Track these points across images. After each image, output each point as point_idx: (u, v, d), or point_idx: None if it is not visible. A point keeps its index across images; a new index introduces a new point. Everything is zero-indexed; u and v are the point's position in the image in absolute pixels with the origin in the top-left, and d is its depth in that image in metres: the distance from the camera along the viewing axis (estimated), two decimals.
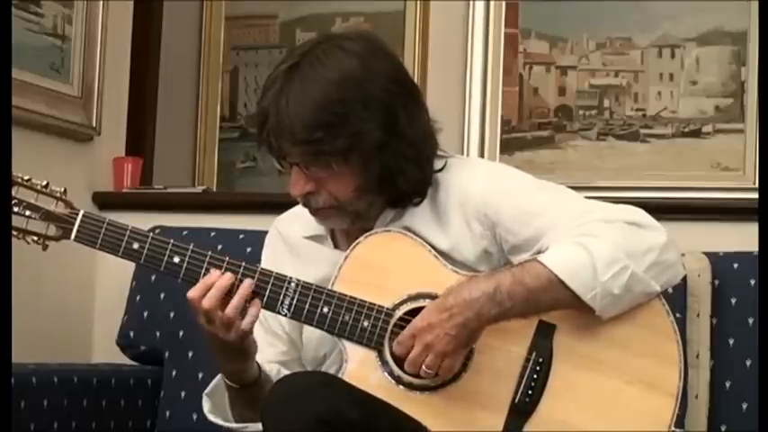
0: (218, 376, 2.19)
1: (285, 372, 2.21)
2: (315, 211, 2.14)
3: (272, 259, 2.25)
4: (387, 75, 2.09)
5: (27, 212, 2.07)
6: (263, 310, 2.11)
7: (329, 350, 2.19)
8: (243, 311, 2.05)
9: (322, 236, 2.24)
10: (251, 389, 2.14)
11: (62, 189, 2.10)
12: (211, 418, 2.22)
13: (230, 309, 2.04)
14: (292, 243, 2.26)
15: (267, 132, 2.06)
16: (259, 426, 2.03)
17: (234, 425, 2.19)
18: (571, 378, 2.08)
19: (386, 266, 2.11)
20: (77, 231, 2.09)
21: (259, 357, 2.20)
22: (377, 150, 2.07)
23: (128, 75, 3.49)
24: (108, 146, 3.41)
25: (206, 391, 2.24)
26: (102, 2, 3.32)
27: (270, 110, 2.05)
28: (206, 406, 2.23)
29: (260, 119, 2.07)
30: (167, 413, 2.94)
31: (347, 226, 2.18)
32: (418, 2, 3.33)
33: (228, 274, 2.05)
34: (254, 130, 2.12)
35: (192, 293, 2.04)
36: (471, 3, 3.24)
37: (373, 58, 2.09)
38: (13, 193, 2.07)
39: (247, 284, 2.06)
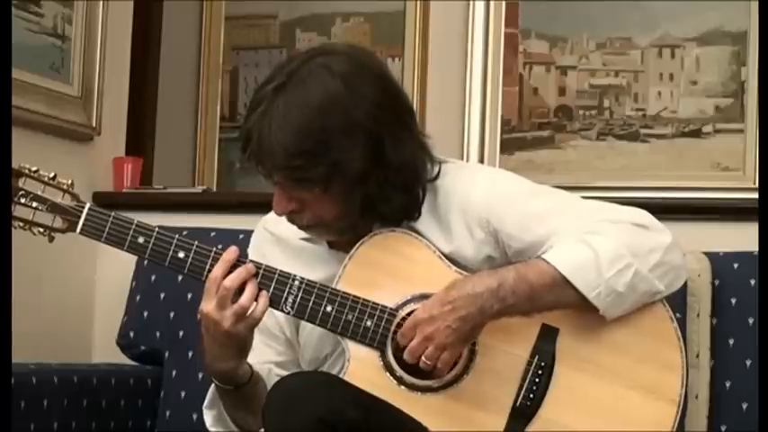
0: (212, 387, 2.19)
1: (278, 372, 2.22)
2: (300, 227, 2.14)
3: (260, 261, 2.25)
4: (373, 99, 2.05)
5: (33, 204, 2.08)
6: None
7: (330, 351, 2.18)
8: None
9: None
10: (244, 388, 2.14)
11: (69, 181, 2.10)
12: (214, 430, 2.22)
13: (246, 297, 2.04)
14: (287, 244, 2.25)
15: (249, 154, 2.06)
16: None
17: None
18: (573, 382, 2.08)
19: (390, 266, 2.11)
20: (83, 224, 2.09)
21: (254, 359, 2.20)
22: (358, 179, 2.05)
23: (128, 75, 3.49)
24: (108, 146, 3.41)
25: (205, 405, 2.24)
26: (102, 2, 3.32)
27: (252, 132, 2.04)
28: (208, 420, 2.23)
29: (243, 139, 2.07)
30: (167, 413, 2.94)
31: (335, 239, 2.18)
32: (418, 2, 3.32)
33: (251, 264, 2.07)
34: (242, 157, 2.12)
35: (218, 271, 2.04)
36: (471, 3, 3.23)
37: (360, 81, 2.05)
38: (20, 184, 2.07)
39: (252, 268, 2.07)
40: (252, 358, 2.20)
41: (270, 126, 2.02)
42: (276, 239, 2.27)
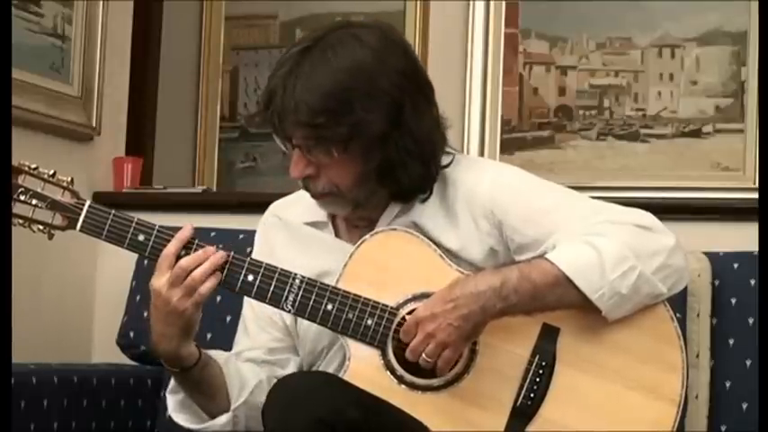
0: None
1: (267, 357, 2.22)
2: (314, 196, 2.14)
3: (266, 249, 2.25)
4: (398, 70, 2.08)
5: (33, 201, 2.07)
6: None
7: (327, 345, 2.18)
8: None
9: (322, 222, 2.23)
10: (191, 372, 2.11)
11: (69, 179, 2.10)
12: (176, 417, 2.20)
13: (200, 272, 2.03)
14: (293, 229, 2.25)
15: (272, 112, 2.06)
16: (216, 422, 2.09)
17: (197, 426, 2.17)
18: (574, 382, 2.08)
19: (391, 265, 2.11)
20: (83, 221, 2.08)
21: (248, 342, 2.22)
22: (378, 142, 2.06)
23: (128, 75, 3.49)
24: (108, 146, 3.41)
25: (168, 390, 2.21)
26: (102, 2, 3.33)
27: (277, 90, 2.05)
28: (170, 404, 2.20)
29: (266, 97, 2.07)
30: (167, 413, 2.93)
31: (348, 213, 2.18)
32: (418, 2, 3.33)
33: (210, 248, 2.06)
34: (257, 120, 2.12)
35: (171, 248, 2.04)
36: (471, 3, 3.24)
37: (388, 52, 2.08)
38: (20, 181, 2.06)
39: (221, 255, 2.06)
40: (247, 342, 2.22)
41: (295, 85, 2.03)
42: (283, 224, 2.27)
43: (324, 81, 2.02)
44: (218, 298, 2.68)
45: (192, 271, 2.03)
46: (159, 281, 2.04)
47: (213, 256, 2.06)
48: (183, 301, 2.03)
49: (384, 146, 2.07)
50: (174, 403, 2.20)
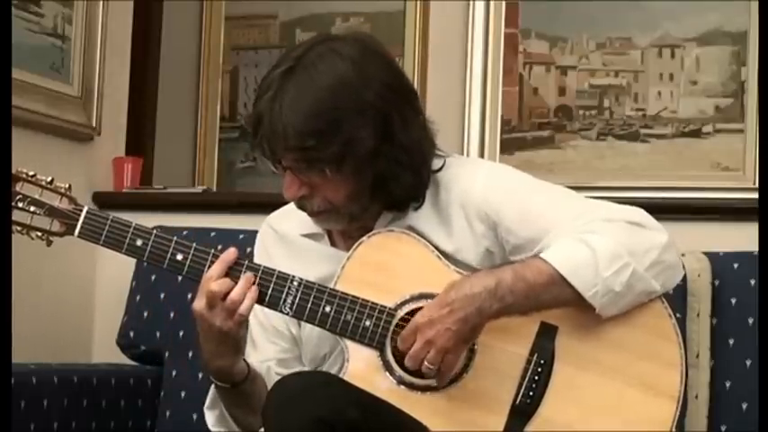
0: (212, 387, 2.19)
1: (278, 370, 2.22)
2: (310, 214, 2.14)
3: (266, 259, 2.24)
4: (382, 80, 2.07)
5: (31, 208, 2.07)
6: (263, 308, 2.12)
7: (329, 350, 2.19)
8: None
9: (318, 234, 2.23)
10: (242, 386, 2.14)
11: (66, 185, 2.10)
12: (215, 431, 2.22)
13: (235, 293, 2.04)
14: (289, 241, 2.25)
15: (261, 137, 2.06)
16: None
17: None
18: (573, 380, 2.08)
19: (388, 266, 2.11)
20: (81, 227, 2.09)
21: (258, 356, 2.21)
22: (370, 157, 2.06)
23: (128, 75, 3.49)
24: (108, 146, 3.41)
25: (206, 406, 2.24)
26: (102, 2, 3.33)
27: (263, 115, 2.04)
28: (209, 420, 2.23)
29: (254, 124, 2.07)
30: (167, 413, 2.94)
31: (344, 227, 2.18)
32: (418, 2, 3.33)
33: (249, 274, 2.07)
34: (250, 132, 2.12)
35: (212, 271, 2.05)
36: (471, 3, 3.24)
37: (369, 62, 2.07)
38: (18, 188, 2.07)
39: (250, 274, 2.07)
40: (255, 356, 2.21)
41: (281, 108, 2.02)
42: (279, 236, 2.27)
43: (309, 102, 2.01)
44: None
45: (227, 293, 2.04)
46: (200, 303, 2.05)
47: (245, 277, 2.06)
48: (226, 322, 2.04)
49: (376, 160, 2.06)
50: (214, 419, 2.23)
